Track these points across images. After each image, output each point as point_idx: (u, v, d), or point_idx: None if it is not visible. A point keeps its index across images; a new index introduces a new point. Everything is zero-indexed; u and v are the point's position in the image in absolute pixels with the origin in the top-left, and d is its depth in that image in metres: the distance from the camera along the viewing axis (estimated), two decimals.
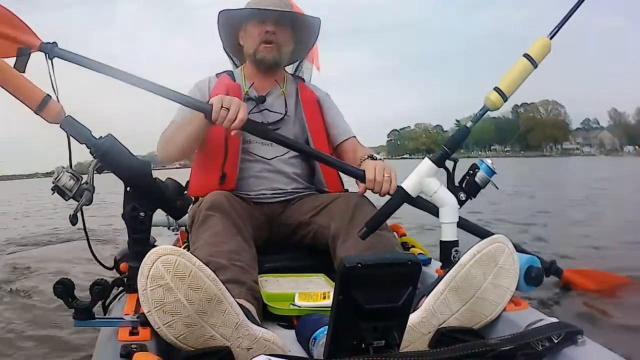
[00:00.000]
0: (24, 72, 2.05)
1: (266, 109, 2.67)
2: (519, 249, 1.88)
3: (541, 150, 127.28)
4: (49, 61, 2.09)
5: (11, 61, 2.02)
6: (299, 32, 2.78)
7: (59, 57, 2.10)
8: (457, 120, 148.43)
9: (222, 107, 2.13)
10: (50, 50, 2.08)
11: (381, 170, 2.25)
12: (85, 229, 1.97)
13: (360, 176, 2.30)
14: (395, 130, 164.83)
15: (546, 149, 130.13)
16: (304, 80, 2.93)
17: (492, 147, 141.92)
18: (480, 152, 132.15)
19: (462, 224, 2.19)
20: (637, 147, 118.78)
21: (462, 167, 2.08)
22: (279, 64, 2.73)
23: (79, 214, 1.81)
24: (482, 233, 2.34)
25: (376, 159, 2.40)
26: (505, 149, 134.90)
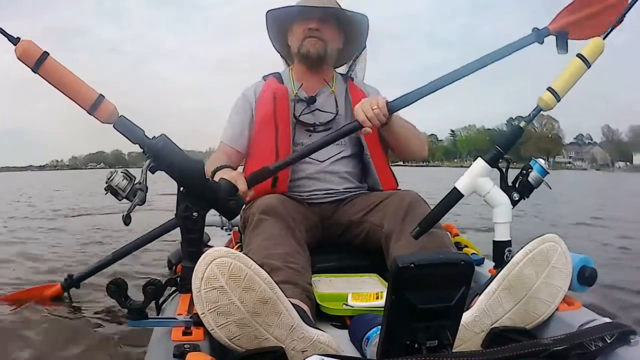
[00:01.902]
0: None
1: (317, 109, 2.68)
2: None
3: None
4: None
5: None
6: (347, 30, 2.79)
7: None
8: (452, 131, 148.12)
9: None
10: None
11: (368, 107, 2.29)
12: None
13: (354, 128, 2.35)
14: None
15: None
16: (352, 79, 2.92)
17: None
18: (472, 162, 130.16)
19: None
20: (627, 163, 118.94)
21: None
22: (323, 59, 2.73)
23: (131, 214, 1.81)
24: None
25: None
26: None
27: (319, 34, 2.65)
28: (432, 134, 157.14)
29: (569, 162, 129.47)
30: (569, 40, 2.37)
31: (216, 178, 2.20)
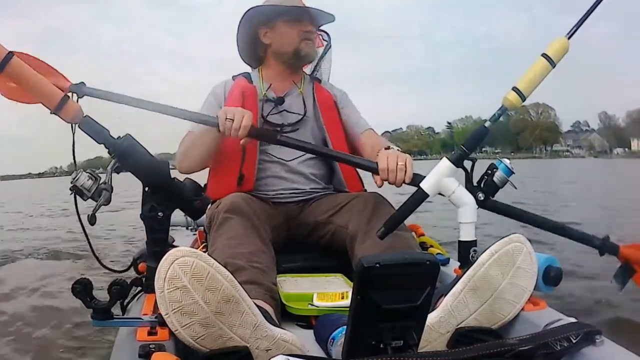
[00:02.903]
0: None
1: (285, 110, 2.67)
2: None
3: (531, 152, 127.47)
4: (78, 100, 2.07)
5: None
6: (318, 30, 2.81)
7: (87, 95, 2.10)
8: (449, 123, 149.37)
9: (226, 118, 2.18)
10: (79, 90, 2.09)
11: (394, 159, 2.19)
12: (85, 233, 1.95)
13: (374, 169, 2.25)
14: (387, 132, 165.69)
15: (536, 151, 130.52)
16: (320, 80, 2.92)
17: (483, 149, 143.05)
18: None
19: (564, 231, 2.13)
20: (626, 149, 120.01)
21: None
22: (313, 61, 2.79)
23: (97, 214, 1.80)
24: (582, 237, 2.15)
25: (391, 149, 2.33)
26: (496, 151, 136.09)
27: (312, 37, 2.67)
28: (429, 127, 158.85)
29: (567, 151, 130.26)
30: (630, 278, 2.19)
31: (201, 135, 2.32)
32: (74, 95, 2.07)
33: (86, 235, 1.97)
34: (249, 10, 2.68)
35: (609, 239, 2.17)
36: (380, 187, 2.28)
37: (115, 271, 2.14)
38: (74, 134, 1.87)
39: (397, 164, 2.17)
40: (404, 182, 2.17)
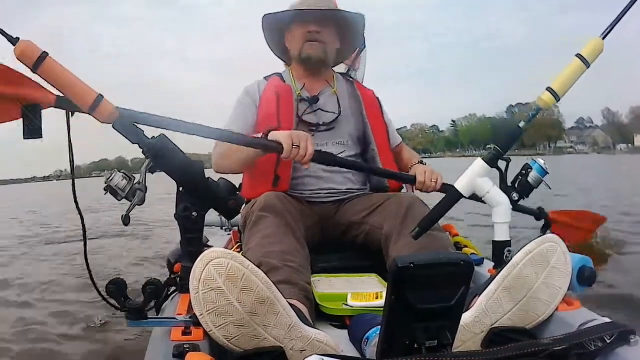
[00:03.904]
0: (40, 137, 1.85)
1: (320, 109, 2.68)
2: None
3: (535, 149, 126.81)
4: (69, 115, 1.84)
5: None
6: (344, 30, 2.79)
7: (79, 112, 1.86)
8: (453, 121, 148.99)
9: (293, 145, 2.12)
10: (69, 105, 1.84)
11: (430, 175, 2.46)
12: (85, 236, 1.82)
13: (412, 181, 2.47)
14: None
15: (540, 148, 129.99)
16: (356, 80, 2.93)
17: (487, 147, 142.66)
18: (474, 152, 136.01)
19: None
20: (629, 145, 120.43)
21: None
22: (324, 62, 2.75)
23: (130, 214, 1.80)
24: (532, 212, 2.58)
25: (424, 164, 2.59)
26: None
27: (318, 37, 2.66)
28: (433, 125, 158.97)
29: (571, 147, 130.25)
30: None
31: (277, 134, 2.18)
32: (66, 112, 1.90)
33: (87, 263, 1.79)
34: (265, 16, 2.73)
35: (543, 210, 3.01)
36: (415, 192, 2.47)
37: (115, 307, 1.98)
38: (69, 130, 1.81)
39: (431, 180, 2.45)
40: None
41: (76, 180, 1.77)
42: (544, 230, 3.23)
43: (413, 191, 2.44)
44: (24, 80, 1.84)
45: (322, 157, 2.30)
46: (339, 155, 2.59)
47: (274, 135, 2.18)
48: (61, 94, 1.80)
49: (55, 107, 1.87)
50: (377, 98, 2.85)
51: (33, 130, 1.84)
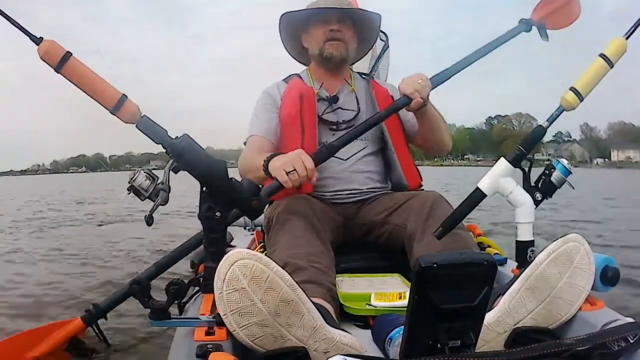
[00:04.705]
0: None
1: (339, 108, 2.70)
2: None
3: None
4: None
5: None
6: (361, 28, 2.80)
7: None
8: None
9: (288, 173, 2.10)
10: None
11: (413, 80, 2.35)
12: None
13: (405, 102, 2.37)
14: None
15: None
16: (373, 78, 2.93)
17: (465, 156, 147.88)
18: (453, 161, 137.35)
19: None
20: (606, 159, 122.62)
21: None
22: (345, 61, 2.76)
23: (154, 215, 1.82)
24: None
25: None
26: (478, 158, 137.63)
27: (340, 35, 2.66)
28: None
29: (548, 160, 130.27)
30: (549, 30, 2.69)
31: (272, 166, 2.18)
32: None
33: None
34: (283, 15, 2.74)
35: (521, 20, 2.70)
36: (419, 105, 2.37)
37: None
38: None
39: (418, 82, 2.34)
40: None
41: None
42: (544, 32, 2.69)
43: (417, 108, 2.40)
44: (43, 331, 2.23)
45: (326, 153, 2.31)
46: (359, 153, 2.64)
47: (270, 170, 2.19)
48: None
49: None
50: (391, 92, 2.82)
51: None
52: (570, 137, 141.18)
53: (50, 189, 29.91)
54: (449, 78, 2.49)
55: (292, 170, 2.09)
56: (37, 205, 16.07)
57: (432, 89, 2.40)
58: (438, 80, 2.46)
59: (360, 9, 2.76)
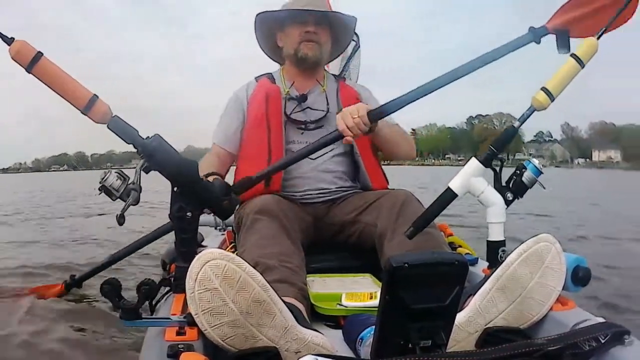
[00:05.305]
0: None
1: (308, 108, 2.70)
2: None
3: None
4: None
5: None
6: (336, 30, 2.81)
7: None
8: (413, 130, 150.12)
9: None
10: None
11: (348, 115, 2.27)
12: None
13: (337, 137, 2.33)
14: None
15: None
16: (344, 79, 2.94)
17: (446, 156, 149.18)
18: (434, 160, 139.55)
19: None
20: (587, 159, 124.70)
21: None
22: (319, 62, 2.77)
23: (125, 214, 1.81)
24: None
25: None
26: (459, 158, 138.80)
27: (315, 37, 2.67)
28: None
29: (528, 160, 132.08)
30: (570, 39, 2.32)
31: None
32: None
33: None
34: (259, 14, 2.74)
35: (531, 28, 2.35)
36: (350, 143, 2.37)
37: None
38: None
39: (352, 118, 2.25)
40: (368, 129, 2.29)
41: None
42: (564, 43, 2.35)
43: (350, 142, 2.32)
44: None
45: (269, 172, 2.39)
46: (328, 154, 2.64)
47: None
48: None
49: None
50: (359, 92, 2.84)
51: None
52: (552, 137, 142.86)
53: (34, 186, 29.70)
54: (412, 101, 2.35)
55: None
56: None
57: (382, 117, 2.35)
58: (389, 108, 2.35)
59: (337, 12, 2.77)
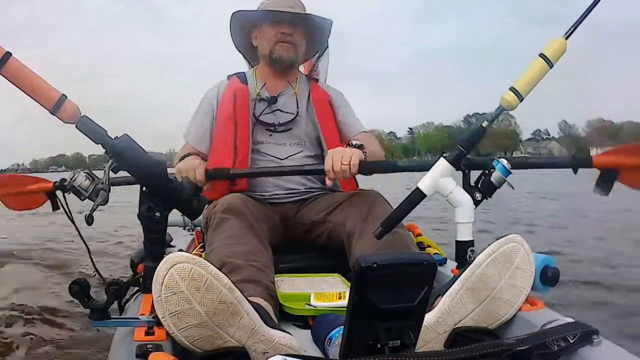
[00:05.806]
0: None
1: (278, 110, 2.70)
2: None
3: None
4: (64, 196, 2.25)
5: None
6: (311, 32, 2.81)
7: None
8: (410, 128, 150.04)
9: (182, 178, 2.31)
10: (63, 187, 2.20)
11: (338, 159, 2.24)
12: (82, 237, 2.03)
13: (321, 172, 2.35)
14: None
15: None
16: (317, 80, 2.93)
17: (444, 154, 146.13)
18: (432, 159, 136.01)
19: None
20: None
21: None
22: (294, 64, 2.78)
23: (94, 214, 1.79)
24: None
25: (355, 146, 2.38)
26: None
27: (290, 39, 2.67)
28: (390, 132, 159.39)
29: (526, 158, 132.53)
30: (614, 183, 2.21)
31: (181, 163, 2.36)
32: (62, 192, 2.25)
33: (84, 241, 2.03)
34: (234, 13, 2.74)
35: (575, 155, 2.24)
36: (330, 185, 2.39)
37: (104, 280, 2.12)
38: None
39: (341, 164, 2.23)
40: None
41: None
42: (606, 185, 2.22)
43: (330, 184, 2.38)
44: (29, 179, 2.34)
45: (223, 175, 2.43)
46: (297, 155, 2.67)
47: (175, 167, 2.45)
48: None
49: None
50: (331, 95, 2.84)
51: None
52: (549, 135, 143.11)
53: None
54: (404, 170, 2.38)
55: (185, 177, 2.32)
56: None
57: (371, 173, 2.34)
58: (382, 166, 2.40)
59: (313, 15, 2.76)
